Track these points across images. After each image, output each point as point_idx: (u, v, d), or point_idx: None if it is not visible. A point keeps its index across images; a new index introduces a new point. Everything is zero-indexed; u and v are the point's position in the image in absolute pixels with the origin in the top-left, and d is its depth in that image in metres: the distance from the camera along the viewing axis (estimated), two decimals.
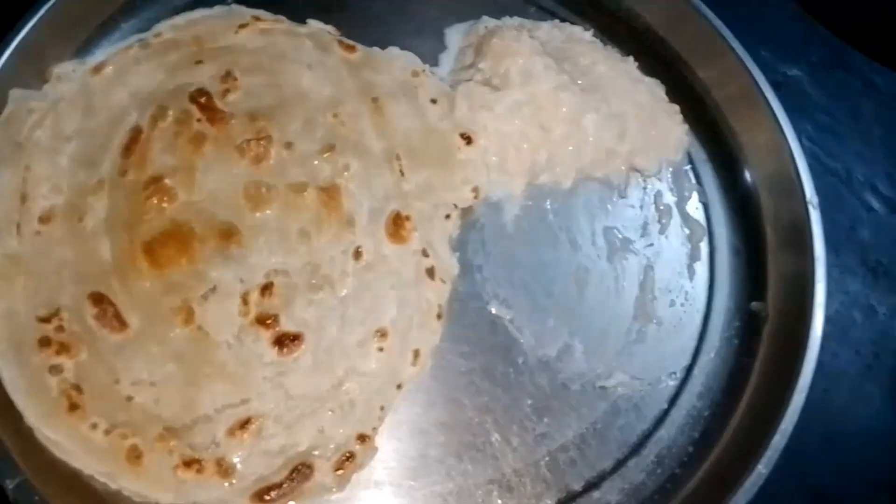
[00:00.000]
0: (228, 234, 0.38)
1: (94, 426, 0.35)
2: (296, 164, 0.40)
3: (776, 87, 0.48)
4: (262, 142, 0.40)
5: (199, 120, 0.40)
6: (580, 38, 0.48)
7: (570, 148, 0.43)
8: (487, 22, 0.48)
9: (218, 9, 0.45)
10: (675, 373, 0.41)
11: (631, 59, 0.48)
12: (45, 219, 0.38)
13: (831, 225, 0.43)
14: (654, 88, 0.48)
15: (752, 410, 0.40)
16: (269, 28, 0.44)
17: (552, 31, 0.47)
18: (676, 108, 0.47)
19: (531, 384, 0.39)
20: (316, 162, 0.40)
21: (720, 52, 0.47)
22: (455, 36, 0.49)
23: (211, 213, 0.38)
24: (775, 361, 0.41)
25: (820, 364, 0.39)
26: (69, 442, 0.34)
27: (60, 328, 0.36)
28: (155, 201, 0.38)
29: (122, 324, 0.36)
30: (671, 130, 0.47)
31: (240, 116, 0.40)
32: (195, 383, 0.36)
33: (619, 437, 0.39)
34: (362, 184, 0.40)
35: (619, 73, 0.47)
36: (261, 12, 0.45)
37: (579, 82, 0.45)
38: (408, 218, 0.40)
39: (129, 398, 0.35)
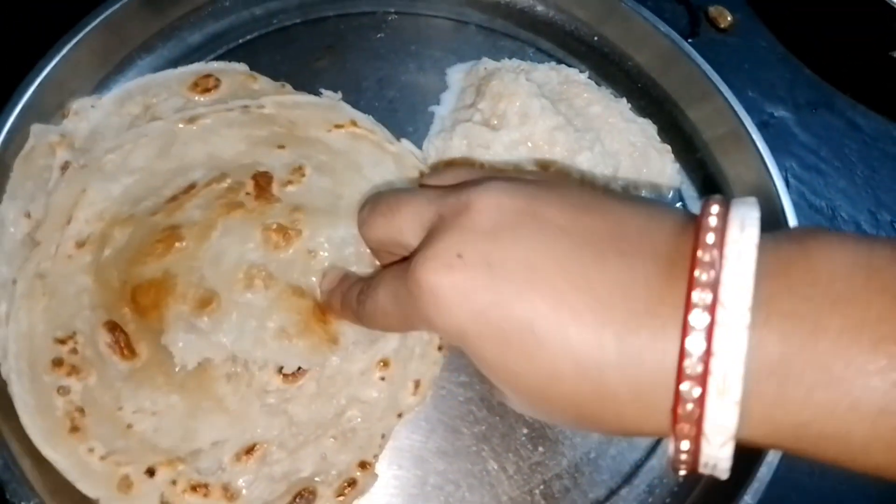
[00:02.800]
0: (206, 302, 0.37)
1: (92, 450, 0.36)
2: (308, 271, 0.39)
3: (763, 126, 0.50)
4: (289, 232, 0.39)
5: (247, 193, 0.40)
6: (576, 80, 0.50)
7: None
8: (487, 63, 0.50)
9: (326, 100, 0.46)
10: None
11: (624, 100, 0.50)
12: (80, 244, 0.39)
13: None
14: (646, 128, 0.50)
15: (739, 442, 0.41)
16: (361, 135, 0.44)
17: (549, 73, 0.50)
18: (668, 147, 0.49)
19: None
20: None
21: (709, 94, 0.49)
22: (456, 76, 0.51)
23: (202, 274, 0.37)
24: None
25: None
26: (66, 462, 0.35)
27: (74, 351, 0.37)
28: (161, 248, 0.38)
29: (132, 353, 0.37)
30: (663, 168, 0.49)
31: (285, 203, 0.40)
32: (194, 416, 0.37)
33: (611, 466, 0.40)
34: None
35: (612, 114, 0.49)
36: (360, 116, 0.45)
37: (574, 122, 0.46)
38: None
39: (129, 426, 0.36)
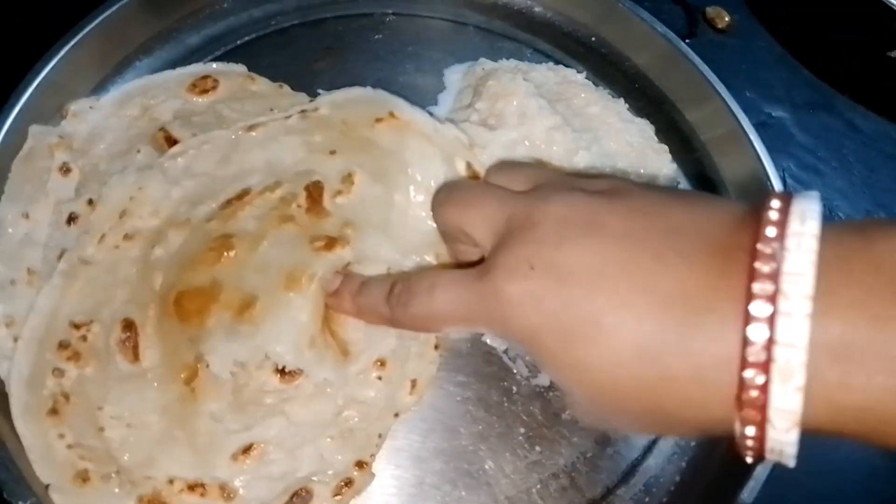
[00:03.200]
0: (248, 305, 0.37)
1: (62, 436, 0.36)
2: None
3: (761, 127, 0.50)
4: (337, 241, 0.39)
5: (299, 206, 0.41)
6: (574, 81, 0.50)
7: None
8: (485, 64, 0.50)
9: (368, 91, 0.46)
10: None
11: (622, 100, 0.50)
12: (129, 237, 0.40)
13: None
14: (644, 128, 0.49)
15: None
16: (403, 126, 0.44)
17: (547, 73, 0.50)
18: (665, 147, 0.49)
19: (524, 413, 0.41)
20: None
21: (707, 95, 0.49)
22: (454, 76, 0.51)
23: (246, 278, 0.38)
24: None
25: None
26: (33, 440, 0.36)
27: (84, 338, 0.38)
28: (212, 256, 0.38)
29: (135, 357, 0.38)
30: (660, 169, 0.49)
31: (336, 217, 0.41)
32: (162, 443, 0.36)
33: (608, 465, 0.40)
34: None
35: (610, 114, 0.49)
36: (397, 105, 0.45)
37: (572, 122, 0.47)
38: None
39: (101, 429, 0.36)
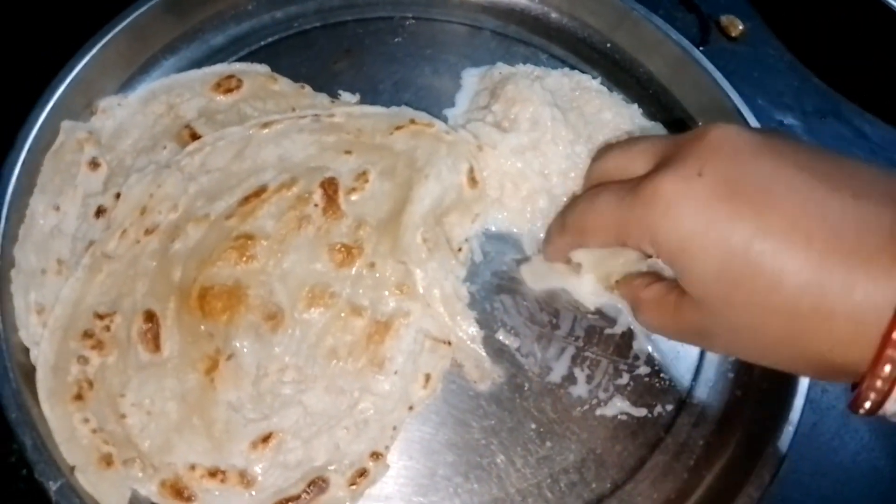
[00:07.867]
0: (273, 316, 0.39)
1: (86, 421, 0.37)
2: (369, 286, 0.41)
3: None
4: (353, 251, 0.41)
5: (315, 205, 0.42)
6: (588, 86, 0.51)
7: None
8: (502, 68, 0.51)
9: (391, 109, 0.48)
10: (672, 402, 0.43)
11: (635, 105, 0.51)
12: (149, 231, 0.41)
13: None
14: (656, 133, 0.50)
15: (744, 440, 0.42)
16: (419, 131, 0.46)
17: (561, 79, 0.50)
18: None
19: (535, 409, 0.41)
20: (386, 292, 0.41)
21: (719, 101, 0.50)
22: (471, 79, 0.52)
23: (271, 289, 0.40)
24: (767, 395, 0.43)
25: (809, 399, 0.41)
26: (58, 423, 0.37)
27: (107, 328, 0.39)
28: (234, 256, 0.40)
29: (156, 346, 0.39)
30: None
31: (350, 219, 0.42)
32: (180, 430, 0.37)
33: (617, 461, 0.41)
34: (411, 336, 0.41)
35: (623, 119, 0.50)
36: (419, 115, 0.47)
37: (583, 132, 0.47)
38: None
39: (123, 416, 0.37)
